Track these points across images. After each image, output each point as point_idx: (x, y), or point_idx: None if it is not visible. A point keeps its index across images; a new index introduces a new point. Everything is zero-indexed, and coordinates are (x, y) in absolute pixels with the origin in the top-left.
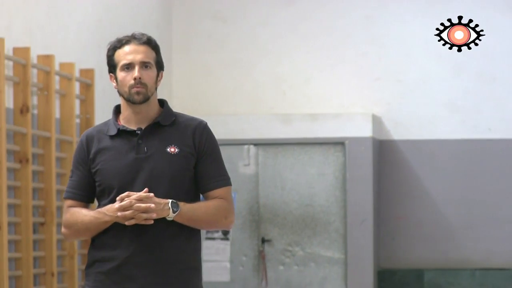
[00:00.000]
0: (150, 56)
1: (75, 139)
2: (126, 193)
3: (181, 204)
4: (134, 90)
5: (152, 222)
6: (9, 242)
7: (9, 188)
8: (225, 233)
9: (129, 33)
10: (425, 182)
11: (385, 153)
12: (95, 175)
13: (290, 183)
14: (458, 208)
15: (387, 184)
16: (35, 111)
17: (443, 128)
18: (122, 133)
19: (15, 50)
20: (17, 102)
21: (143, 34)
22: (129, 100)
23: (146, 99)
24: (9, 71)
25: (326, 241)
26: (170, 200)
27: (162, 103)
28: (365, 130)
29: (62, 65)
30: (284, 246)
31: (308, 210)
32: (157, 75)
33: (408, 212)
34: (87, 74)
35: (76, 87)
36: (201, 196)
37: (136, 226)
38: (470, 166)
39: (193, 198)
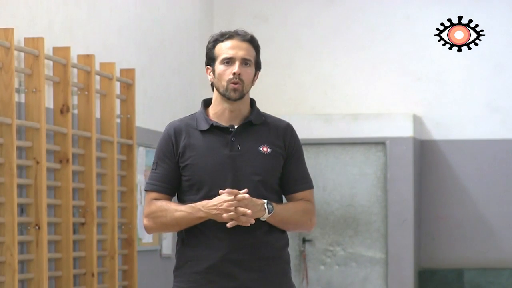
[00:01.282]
0: (251, 54)
1: (116, 139)
2: (227, 191)
3: (274, 204)
4: (232, 86)
5: (249, 224)
6: (49, 242)
7: (49, 188)
8: None
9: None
10: (465, 182)
11: (426, 153)
12: (184, 170)
13: (332, 183)
14: (499, 208)
15: (428, 184)
16: (76, 111)
17: (483, 128)
18: (214, 129)
19: (55, 49)
20: (57, 102)
21: (246, 32)
22: (224, 95)
23: (241, 96)
24: (49, 70)
25: (367, 241)
26: (266, 201)
27: (251, 102)
28: (406, 130)
29: (102, 64)
30: (325, 246)
31: (349, 210)
32: (254, 74)
33: (449, 212)
34: (128, 74)
35: (117, 87)
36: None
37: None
38: (510, 166)
39: (279, 198)
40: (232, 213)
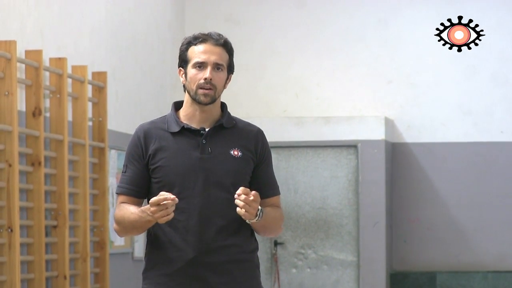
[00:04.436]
0: (224, 59)
1: (88, 142)
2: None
3: (264, 210)
4: (202, 91)
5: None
6: (22, 245)
7: (22, 191)
8: None
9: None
10: (437, 185)
11: (397, 156)
12: (154, 172)
13: (303, 186)
14: (471, 211)
15: (400, 186)
16: (48, 114)
17: (455, 131)
18: (185, 131)
19: (28, 52)
20: (30, 105)
21: (220, 36)
22: (194, 99)
23: (212, 101)
24: (21, 74)
25: (339, 244)
26: (260, 207)
27: (222, 105)
28: (378, 133)
29: (74, 67)
30: (297, 249)
31: (321, 213)
32: (227, 78)
33: (421, 215)
34: (100, 77)
35: (89, 90)
36: None
37: (199, 225)
38: (482, 168)
39: None
40: (164, 212)
